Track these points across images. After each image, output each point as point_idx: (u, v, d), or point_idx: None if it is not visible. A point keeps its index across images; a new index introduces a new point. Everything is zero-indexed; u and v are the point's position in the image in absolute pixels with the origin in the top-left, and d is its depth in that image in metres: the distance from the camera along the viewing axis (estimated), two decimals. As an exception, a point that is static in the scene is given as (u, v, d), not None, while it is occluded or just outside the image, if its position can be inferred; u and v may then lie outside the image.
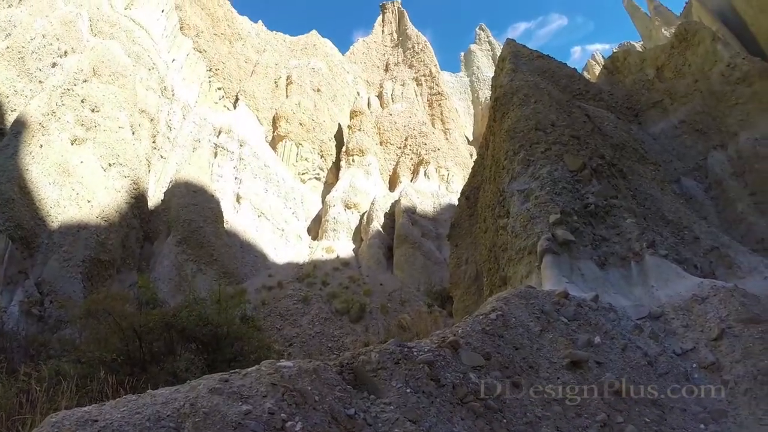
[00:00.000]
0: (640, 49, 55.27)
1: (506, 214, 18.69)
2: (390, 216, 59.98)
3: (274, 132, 73.06)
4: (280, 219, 58.22)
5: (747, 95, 25.23)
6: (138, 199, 40.93)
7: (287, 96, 78.03)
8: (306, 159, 72.98)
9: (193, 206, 45.45)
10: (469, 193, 28.44)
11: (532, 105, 22.05)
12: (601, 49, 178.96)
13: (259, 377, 5.66)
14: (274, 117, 74.18)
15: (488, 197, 22.92)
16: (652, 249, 15.09)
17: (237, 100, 74.88)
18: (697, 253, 16.68)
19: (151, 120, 48.79)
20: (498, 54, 64.82)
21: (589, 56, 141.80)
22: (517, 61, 27.49)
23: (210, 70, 72.94)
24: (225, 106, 73.55)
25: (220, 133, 59.93)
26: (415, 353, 7.39)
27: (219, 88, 73.82)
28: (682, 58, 29.52)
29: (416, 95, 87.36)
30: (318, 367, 6.23)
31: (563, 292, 11.78)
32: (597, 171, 18.61)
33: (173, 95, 57.63)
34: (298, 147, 72.52)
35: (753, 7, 66.15)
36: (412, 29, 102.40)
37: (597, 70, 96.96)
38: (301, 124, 73.53)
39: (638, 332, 11.43)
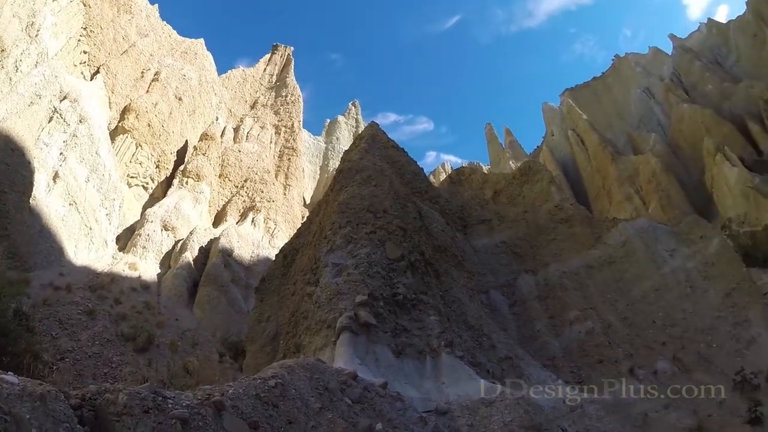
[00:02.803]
0: (486, 171, 59.88)
1: (316, 283, 18.59)
2: (205, 251, 57.67)
3: (119, 122, 67.16)
4: (92, 216, 52.92)
5: (565, 234, 28.53)
6: (-54, 132, 34.80)
7: (148, 91, 73.16)
8: (141, 163, 68.03)
9: (5, 166, 39.91)
10: (288, 252, 28.25)
11: (371, 187, 22.65)
12: (452, 161, 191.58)
13: (-28, 387, 4.77)
14: (126, 107, 68.45)
15: (304, 262, 22.86)
16: (449, 348, 15.63)
17: (97, 72, 68.46)
18: (492, 359, 17.65)
19: (2, 50, 43.57)
20: (360, 132, 67.32)
21: (440, 163, 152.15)
22: (372, 143, 28.54)
23: (85, 29, 66.56)
24: (83, 73, 66.81)
25: (65, 98, 53.04)
26: (170, 405, 6.53)
27: (85, 52, 67.29)
28: (519, 189, 32.46)
29: (271, 142, 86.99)
30: (48, 394, 5.30)
31: (352, 373, 11.57)
32: (414, 265, 19.22)
33: (37, 36, 51.12)
34: (137, 147, 67.44)
35: (591, 166, 75.97)
36: (292, 79, 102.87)
37: (443, 177, 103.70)
38: (149, 125, 68.98)
39: (422, 425, 11.40)
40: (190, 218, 62.49)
